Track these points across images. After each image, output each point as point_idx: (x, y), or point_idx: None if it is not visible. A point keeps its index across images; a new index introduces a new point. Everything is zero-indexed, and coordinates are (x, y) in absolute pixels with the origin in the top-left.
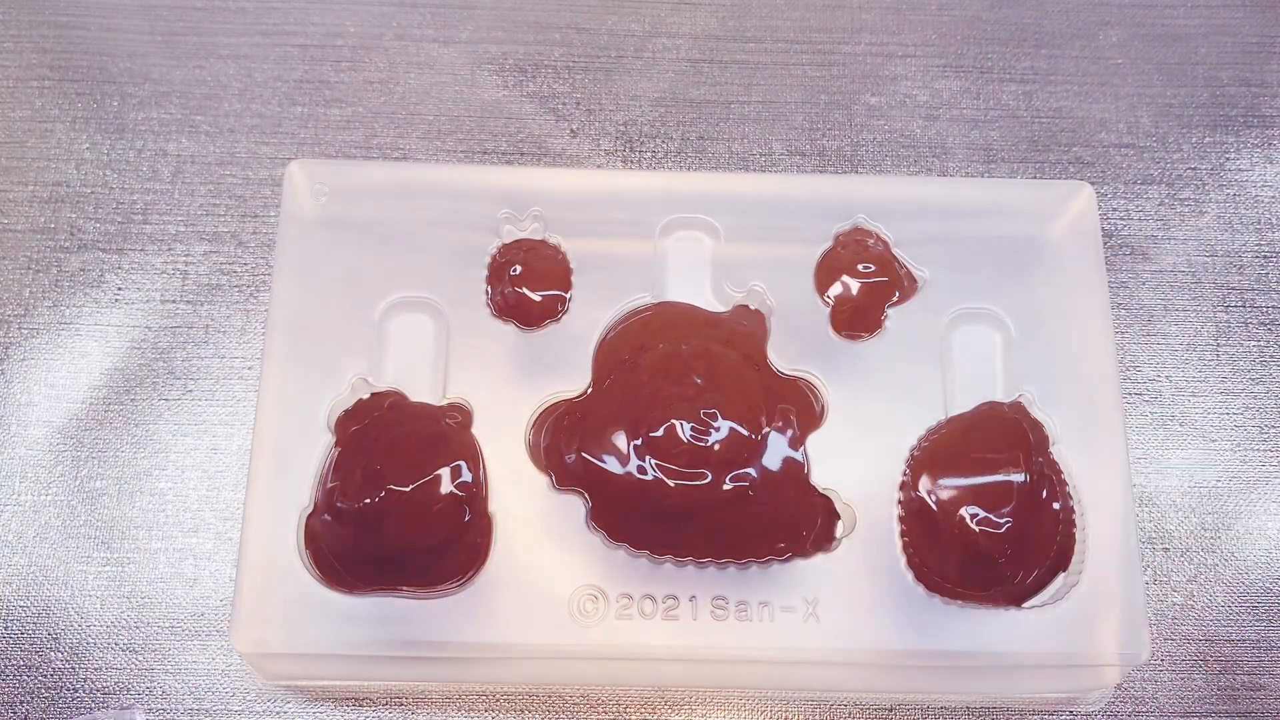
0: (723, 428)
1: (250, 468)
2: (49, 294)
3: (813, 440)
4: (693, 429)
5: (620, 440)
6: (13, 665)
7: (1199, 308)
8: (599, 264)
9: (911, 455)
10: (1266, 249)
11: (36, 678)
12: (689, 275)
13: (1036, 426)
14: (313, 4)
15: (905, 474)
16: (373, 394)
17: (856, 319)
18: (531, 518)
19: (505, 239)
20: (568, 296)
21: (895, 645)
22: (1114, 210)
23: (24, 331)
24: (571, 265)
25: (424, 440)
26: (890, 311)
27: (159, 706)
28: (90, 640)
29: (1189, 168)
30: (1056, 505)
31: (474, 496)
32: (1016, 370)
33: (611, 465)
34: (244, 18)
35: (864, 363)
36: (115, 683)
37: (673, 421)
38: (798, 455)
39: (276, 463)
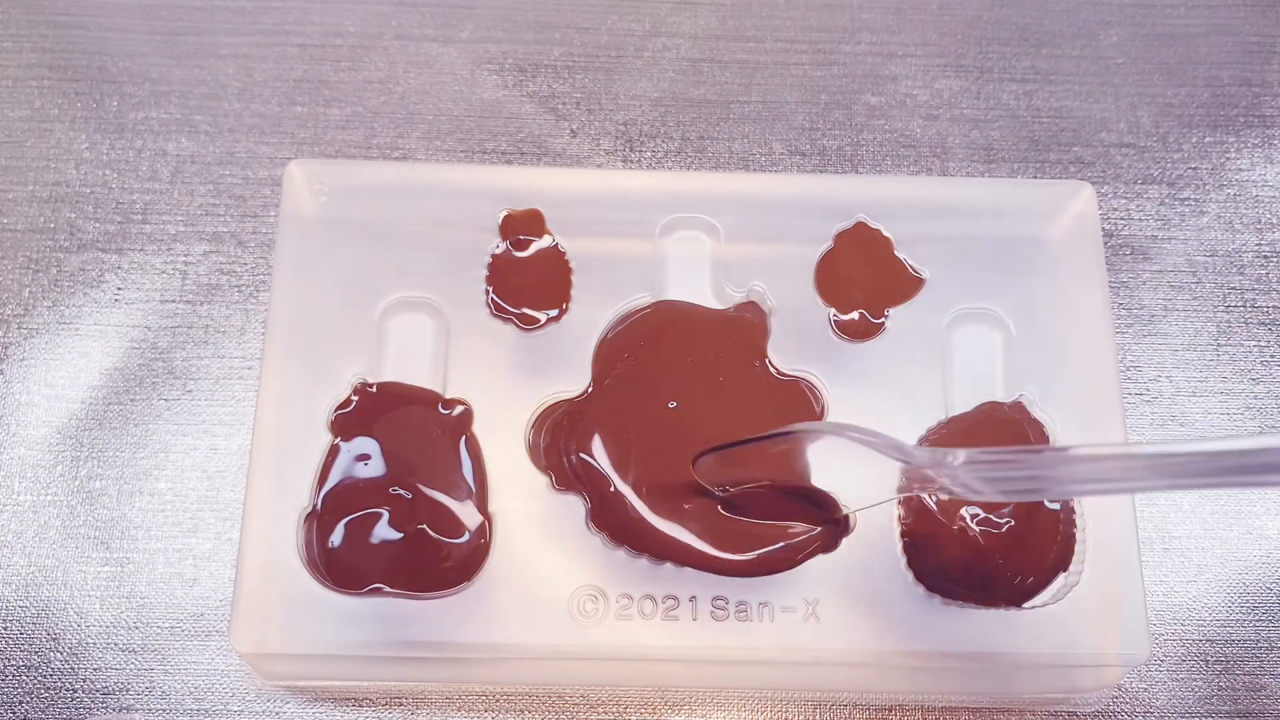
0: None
1: (250, 468)
2: (49, 294)
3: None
4: None
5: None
6: (13, 665)
7: (1199, 308)
8: (599, 264)
9: None
10: (1266, 249)
11: (36, 678)
12: (689, 275)
13: (1037, 427)
14: (312, 4)
15: None
16: (362, 383)
17: (858, 320)
18: (531, 518)
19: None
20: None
21: (895, 645)
22: (1114, 210)
23: (24, 331)
24: (571, 265)
25: (421, 436)
26: (890, 311)
27: (159, 706)
28: (90, 640)
29: (1189, 167)
30: (1056, 505)
31: (474, 497)
32: (1016, 370)
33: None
34: (244, 17)
35: (864, 363)
36: (115, 683)
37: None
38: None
39: (276, 463)
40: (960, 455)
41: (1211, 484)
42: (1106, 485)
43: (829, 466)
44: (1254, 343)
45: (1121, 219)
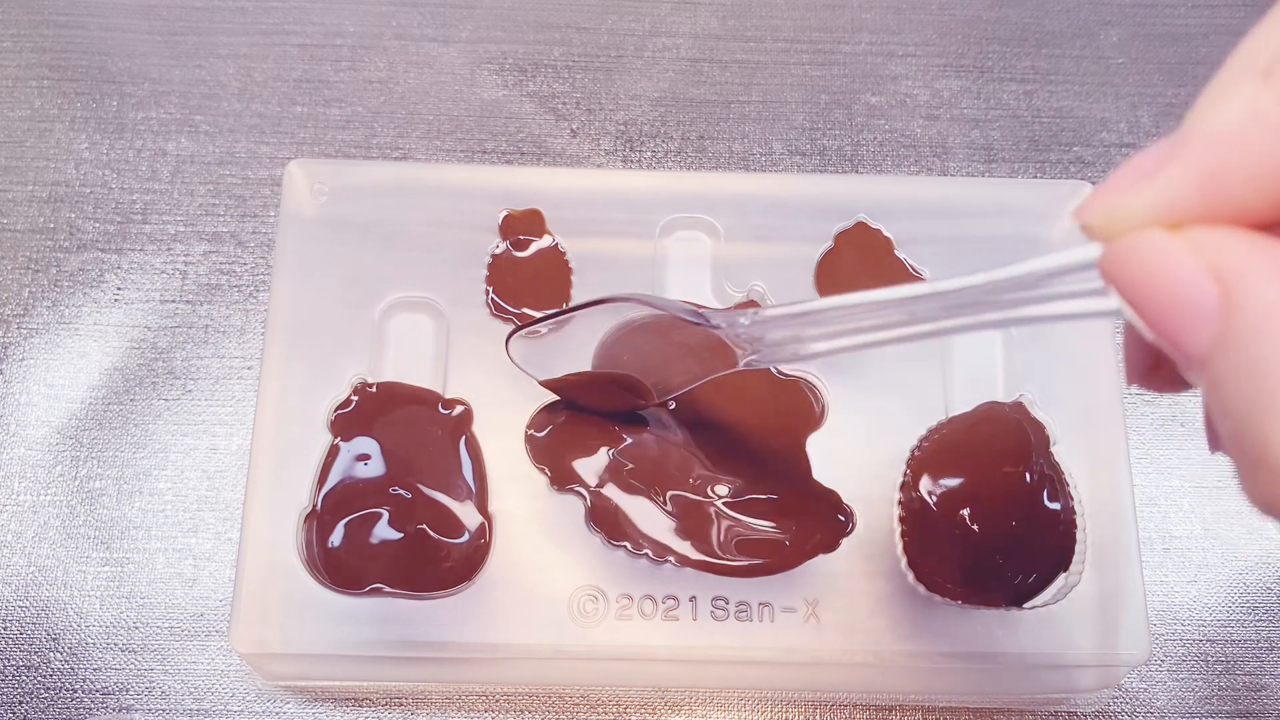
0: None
1: (250, 468)
2: (48, 294)
3: (813, 440)
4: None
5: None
6: (12, 665)
7: None
8: (599, 264)
9: (911, 455)
10: None
11: (36, 678)
12: (689, 275)
13: (1037, 427)
14: (312, 3)
15: (905, 474)
16: (362, 383)
17: None
18: (531, 518)
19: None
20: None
21: (895, 645)
22: None
23: (24, 331)
24: (571, 265)
25: (421, 436)
26: None
27: (159, 707)
28: (89, 641)
29: None
30: (1056, 505)
31: (474, 497)
32: (1016, 370)
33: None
34: (243, 17)
35: (864, 363)
36: (115, 683)
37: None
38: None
39: (276, 463)
40: (749, 314)
41: (990, 319)
42: (891, 329)
43: (645, 354)
44: None
45: None
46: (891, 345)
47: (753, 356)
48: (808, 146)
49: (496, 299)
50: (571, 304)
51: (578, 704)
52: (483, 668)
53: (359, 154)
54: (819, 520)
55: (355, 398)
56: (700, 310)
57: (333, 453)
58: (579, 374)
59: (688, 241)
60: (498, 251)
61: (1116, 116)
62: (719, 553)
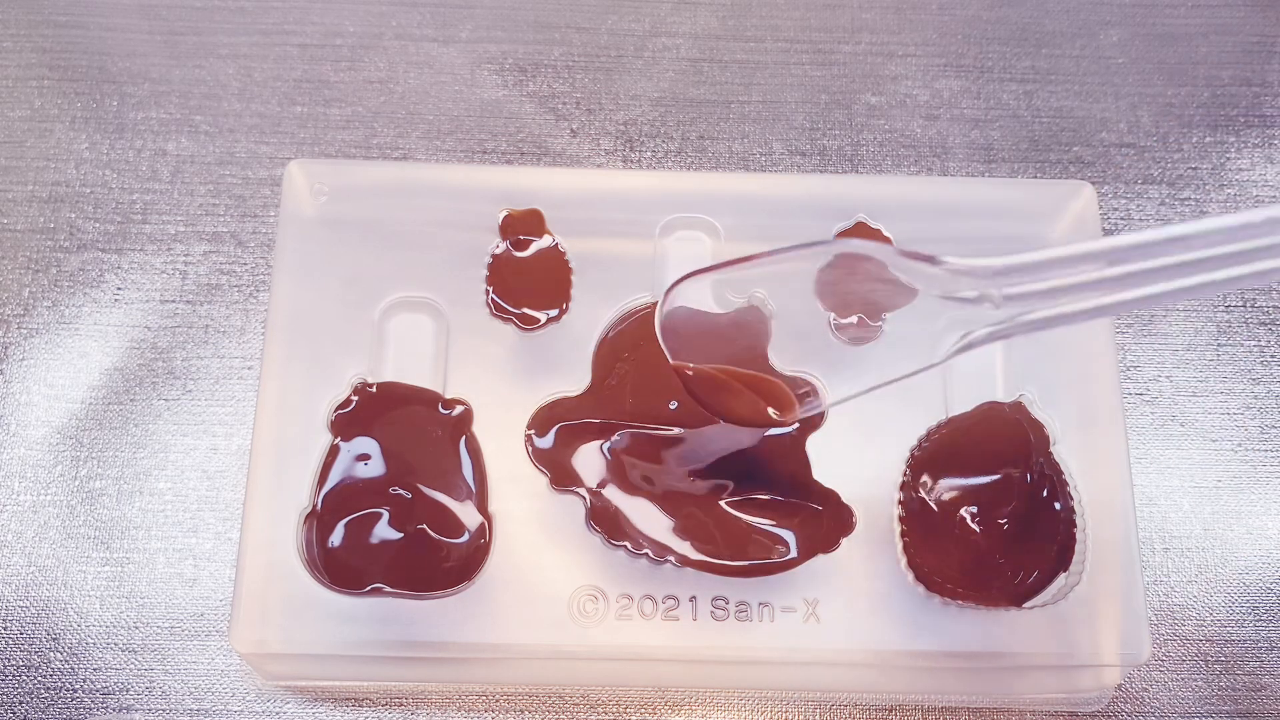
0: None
1: (250, 468)
2: (48, 294)
3: (813, 440)
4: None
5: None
6: (12, 665)
7: (1199, 308)
8: (599, 264)
9: (911, 455)
10: None
11: (36, 678)
12: None
13: (1037, 427)
14: (312, 3)
15: (905, 474)
16: (362, 383)
17: (858, 321)
18: (531, 518)
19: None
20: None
21: (895, 645)
22: (1114, 210)
23: (24, 331)
24: (571, 265)
25: (421, 436)
26: None
27: (159, 706)
28: (90, 640)
29: (1189, 167)
30: (1057, 505)
31: (474, 497)
32: (1016, 371)
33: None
34: (243, 17)
35: (864, 362)
36: (115, 683)
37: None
38: (799, 455)
39: (276, 463)
40: (995, 261)
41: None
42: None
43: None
44: (1254, 343)
45: (1121, 219)
46: (1148, 307)
47: (998, 310)
48: (808, 146)
49: (496, 299)
50: (653, 298)
51: (578, 704)
52: (483, 668)
53: (359, 154)
54: (819, 520)
55: (355, 398)
56: (936, 258)
57: (333, 453)
58: (727, 369)
59: (688, 241)
60: (498, 251)
61: (1116, 116)
62: (719, 553)
